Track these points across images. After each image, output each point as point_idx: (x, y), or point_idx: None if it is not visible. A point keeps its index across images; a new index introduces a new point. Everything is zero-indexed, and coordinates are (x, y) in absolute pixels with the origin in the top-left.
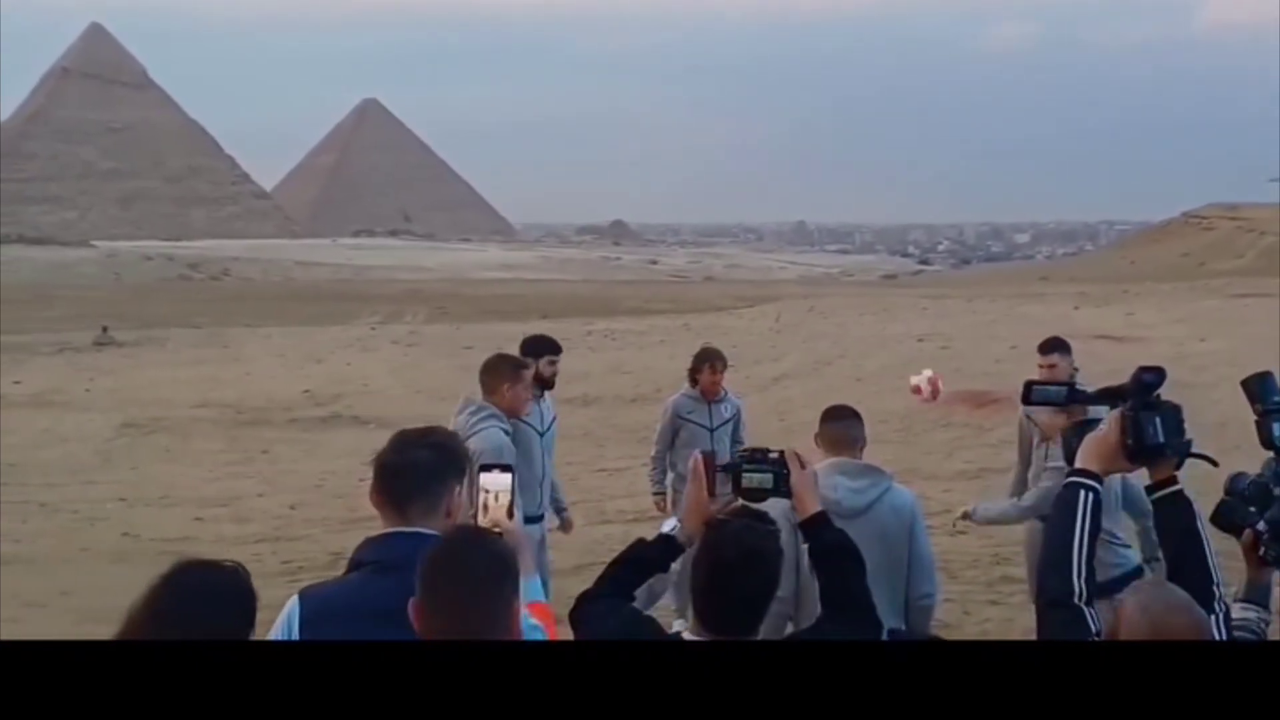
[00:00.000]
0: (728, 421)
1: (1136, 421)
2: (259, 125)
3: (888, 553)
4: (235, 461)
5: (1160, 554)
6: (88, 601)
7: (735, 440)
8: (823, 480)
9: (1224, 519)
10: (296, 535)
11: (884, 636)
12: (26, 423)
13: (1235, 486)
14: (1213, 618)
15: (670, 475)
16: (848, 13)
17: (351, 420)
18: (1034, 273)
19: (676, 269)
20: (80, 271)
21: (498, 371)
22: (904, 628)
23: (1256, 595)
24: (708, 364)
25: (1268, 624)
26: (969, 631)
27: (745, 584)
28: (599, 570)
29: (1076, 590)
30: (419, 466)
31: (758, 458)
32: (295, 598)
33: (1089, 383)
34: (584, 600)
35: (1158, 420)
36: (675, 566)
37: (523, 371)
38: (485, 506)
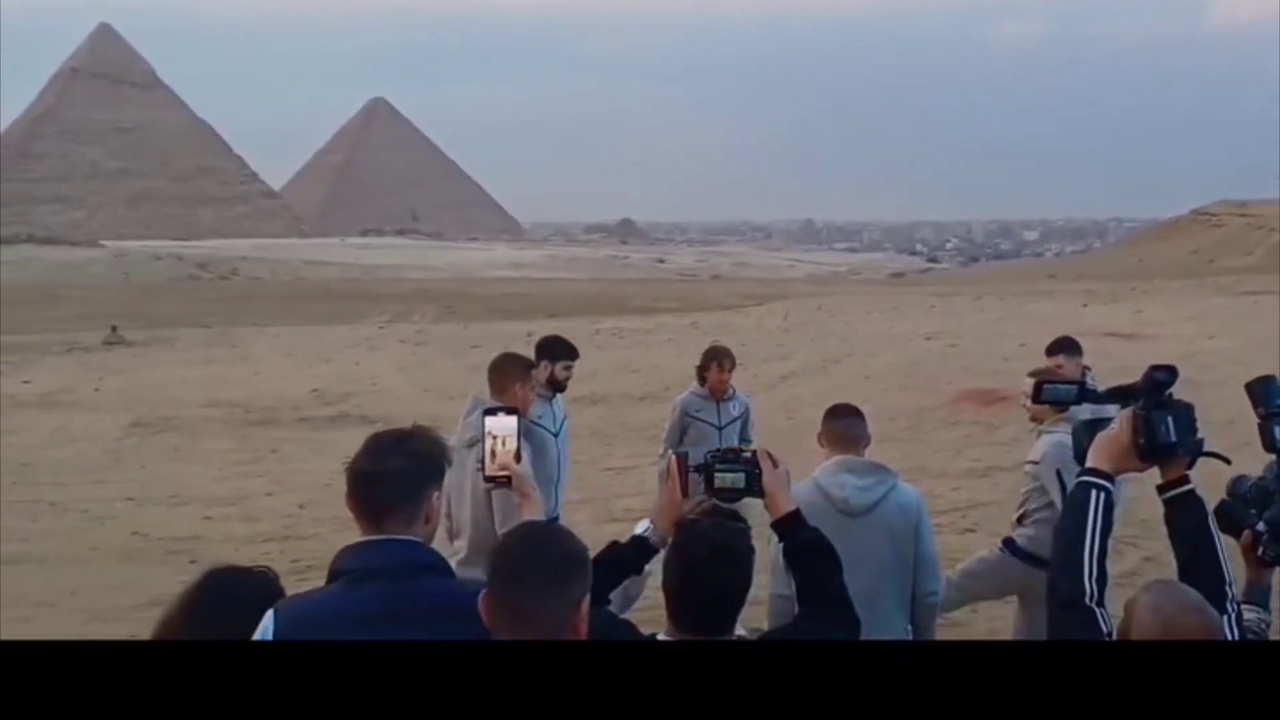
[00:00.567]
0: (736, 420)
1: (1149, 420)
2: (267, 125)
3: (895, 550)
4: (244, 461)
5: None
6: (97, 601)
7: (744, 439)
8: (829, 479)
9: (1224, 520)
10: (305, 534)
11: (861, 633)
12: (36, 422)
13: (1237, 489)
14: (1225, 618)
15: None
16: (856, 11)
17: (360, 419)
18: (1042, 270)
19: (684, 268)
20: (89, 271)
21: (507, 371)
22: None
23: (1256, 596)
24: (715, 362)
25: (1268, 625)
26: (978, 630)
27: (717, 582)
28: None
29: (1088, 591)
30: (396, 476)
31: (730, 458)
32: (270, 612)
33: (1099, 381)
34: None
35: (1170, 419)
36: (649, 568)
37: (532, 371)
38: (493, 453)
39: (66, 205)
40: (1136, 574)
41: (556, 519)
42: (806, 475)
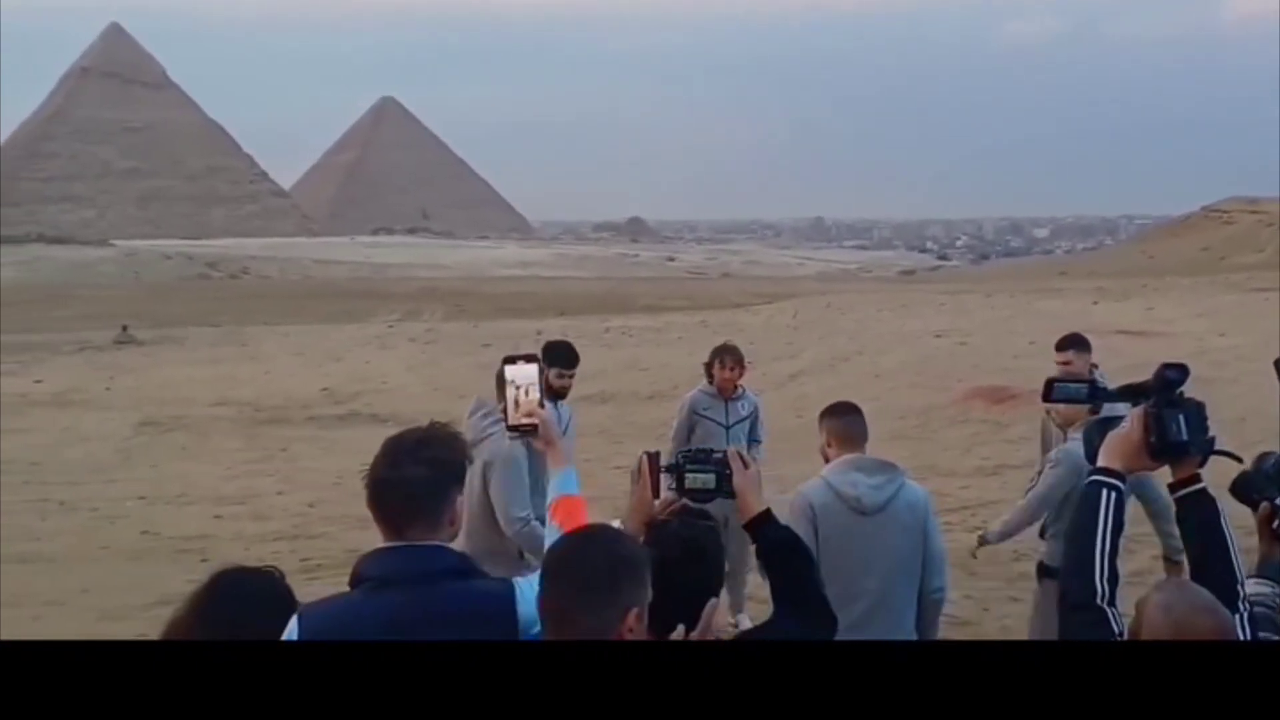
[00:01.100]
0: (745, 419)
1: (1160, 419)
2: (277, 124)
3: (906, 548)
4: (254, 460)
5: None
6: (107, 599)
7: (753, 438)
8: (840, 477)
9: (1242, 491)
10: (315, 533)
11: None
12: (47, 421)
13: (1262, 465)
14: (1237, 617)
15: None
16: (867, 9)
17: (370, 418)
18: (1053, 268)
19: (694, 266)
20: (100, 270)
21: None
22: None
23: (1269, 570)
24: (718, 359)
25: None
26: (988, 628)
27: (689, 582)
28: None
29: (1100, 591)
30: (416, 484)
31: (700, 458)
32: (295, 617)
33: (1110, 379)
34: None
35: (1181, 418)
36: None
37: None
38: (516, 402)
39: (77, 205)
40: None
41: None
42: (815, 474)
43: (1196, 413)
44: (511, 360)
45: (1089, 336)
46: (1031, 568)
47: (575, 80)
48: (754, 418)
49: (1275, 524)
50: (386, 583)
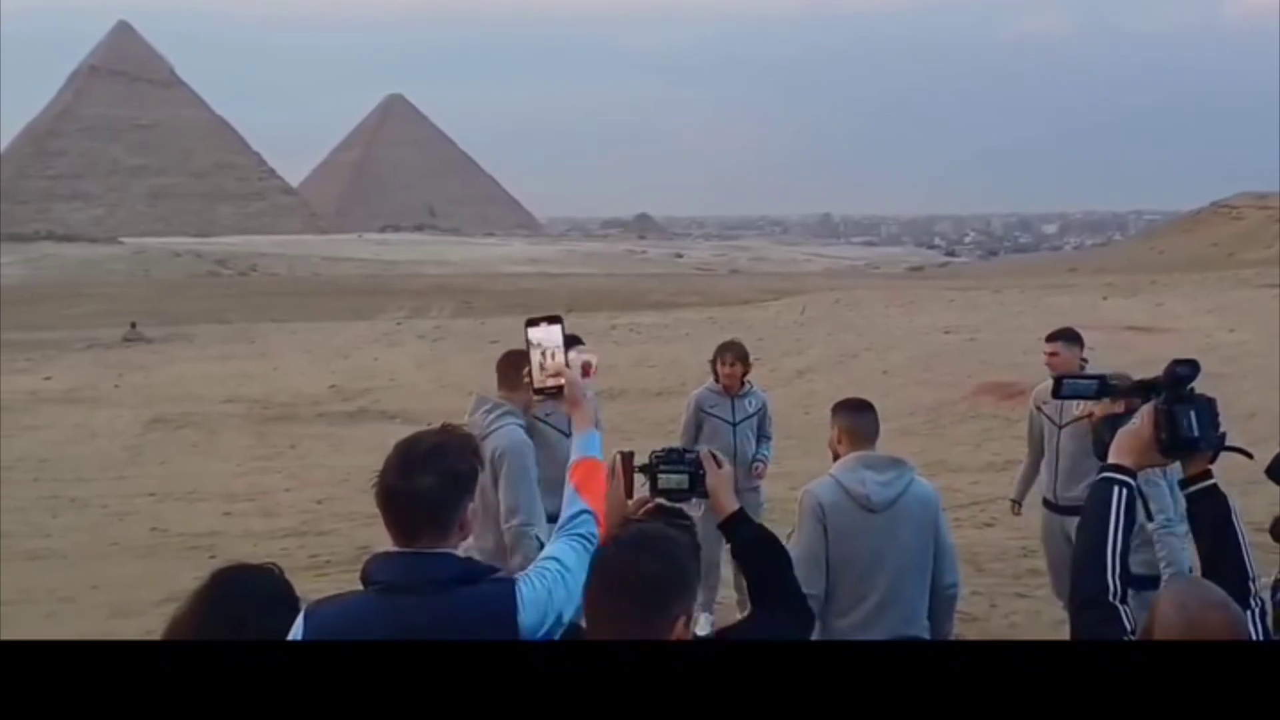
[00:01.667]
0: (751, 416)
1: (1170, 415)
2: (285, 122)
3: (918, 544)
4: (263, 456)
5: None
6: (118, 596)
7: (762, 434)
8: (849, 475)
9: (1277, 472)
10: (324, 530)
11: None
12: (58, 419)
13: None
14: (1248, 613)
15: None
16: (875, 5)
17: (378, 414)
18: (1062, 263)
19: (702, 262)
20: (109, 268)
21: (515, 367)
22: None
23: None
24: (720, 356)
25: None
26: (996, 624)
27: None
28: None
29: (1111, 588)
30: (427, 496)
31: (674, 458)
32: (301, 615)
33: (1108, 372)
34: None
35: (1192, 413)
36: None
37: None
38: (541, 365)
39: (86, 202)
40: None
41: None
42: (824, 471)
43: (1207, 409)
44: (534, 322)
45: (1098, 333)
46: (1040, 565)
47: (582, 77)
48: (762, 414)
49: None
50: (392, 589)
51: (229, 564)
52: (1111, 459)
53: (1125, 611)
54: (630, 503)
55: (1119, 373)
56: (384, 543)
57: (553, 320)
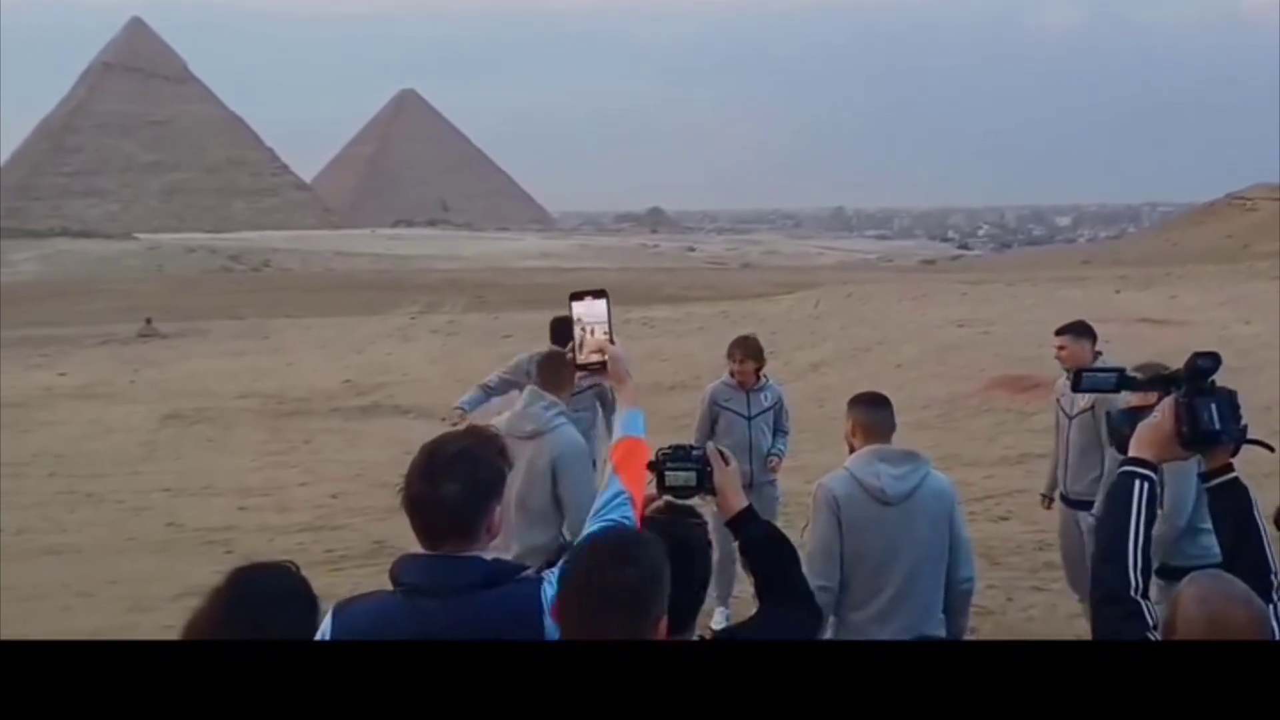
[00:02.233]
0: (767, 410)
1: (1192, 408)
2: (297, 117)
3: (933, 537)
4: (278, 451)
5: None
6: (134, 591)
7: (779, 429)
8: (864, 468)
9: None
10: (339, 524)
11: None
12: (73, 414)
13: None
14: (1270, 608)
15: None
16: None
17: (392, 409)
18: (1076, 256)
19: (714, 256)
20: (124, 264)
21: (563, 366)
22: (943, 616)
23: None
24: (732, 353)
25: None
26: (1013, 618)
27: (674, 577)
28: None
29: (1133, 583)
30: (452, 503)
31: (681, 455)
32: (330, 614)
33: (1121, 365)
34: None
35: (1213, 406)
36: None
37: None
38: (582, 343)
39: (101, 198)
40: None
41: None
42: (838, 464)
43: (1229, 401)
44: (579, 296)
45: (1112, 326)
46: (1056, 558)
47: (594, 72)
48: (778, 408)
49: None
50: (416, 591)
51: (246, 563)
52: (1132, 452)
53: (1147, 606)
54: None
55: (1151, 362)
56: (399, 537)
57: (598, 294)
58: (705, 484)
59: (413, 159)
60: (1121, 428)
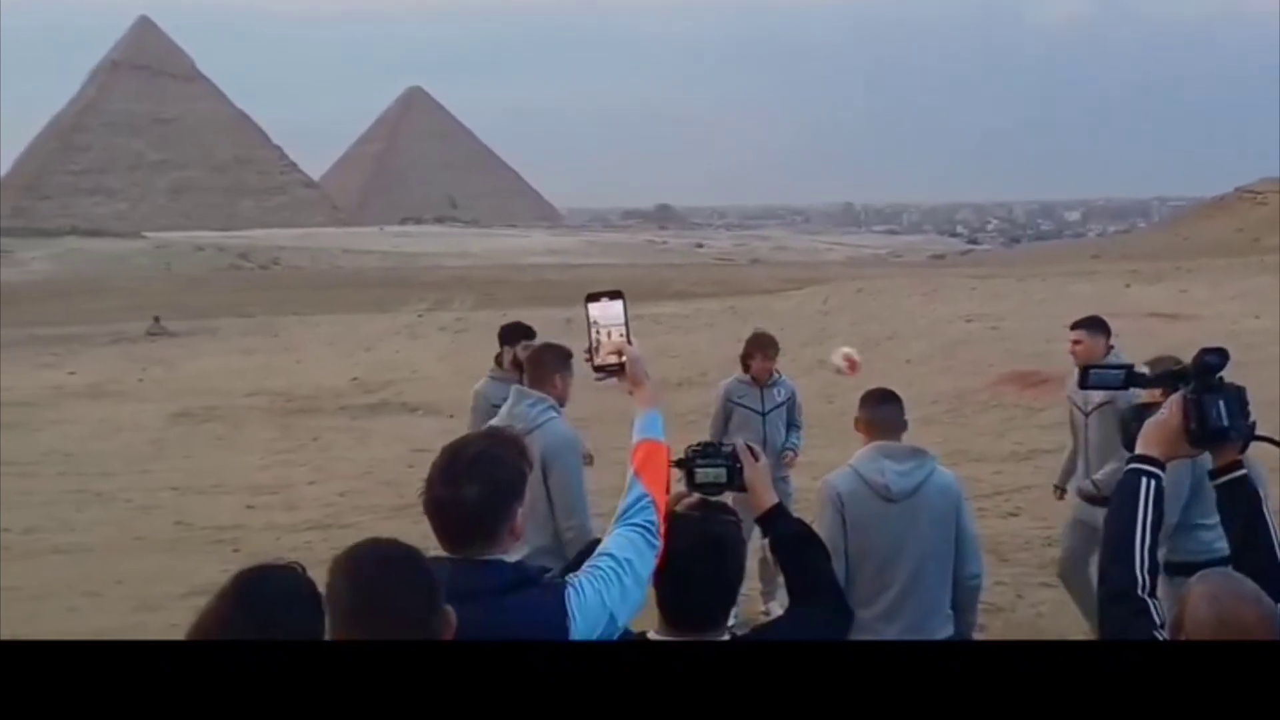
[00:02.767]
0: (780, 405)
1: (1199, 404)
2: (305, 115)
3: (938, 534)
4: (286, 449)
5: None
6: (142, 590)
7: (792, 423)
8: (868, 464)
9: None
10: (346, 523)
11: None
12: (82, 413)
13: None
14: None
15: None
16: None
17: (400, 407)
18: (1085, 250)
19: (722, 252)
20: (133, 263)
21: (548, 362)
22: (952, 612)
23: None
24: (761, 351)
25: None
26: (1022, 614)
27: (710, 576)
28: None
29: (1140, 582)
30: (474, 506)
31: (710, 452)
32: None
33: (1132, 360)
34: None
35: (1221, 403)
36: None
37: (570, 360)
38: (599, 345)
39: (109, 197)
40: None
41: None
42: (847, 460)
43: (1237, 397)
44: (594, 297)
45: (1122, 320)
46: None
47: (602, 68)
48: (791, 403)
49: None
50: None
51: (252, 565)
52: (1139, 450)
53: (1154, 605)
54: (669, 496)
55: (1163, 356)
56: (407, 535)
57: (614, 295)
58: (735, 480)
59: (421, 157)
60: (1131, 425)
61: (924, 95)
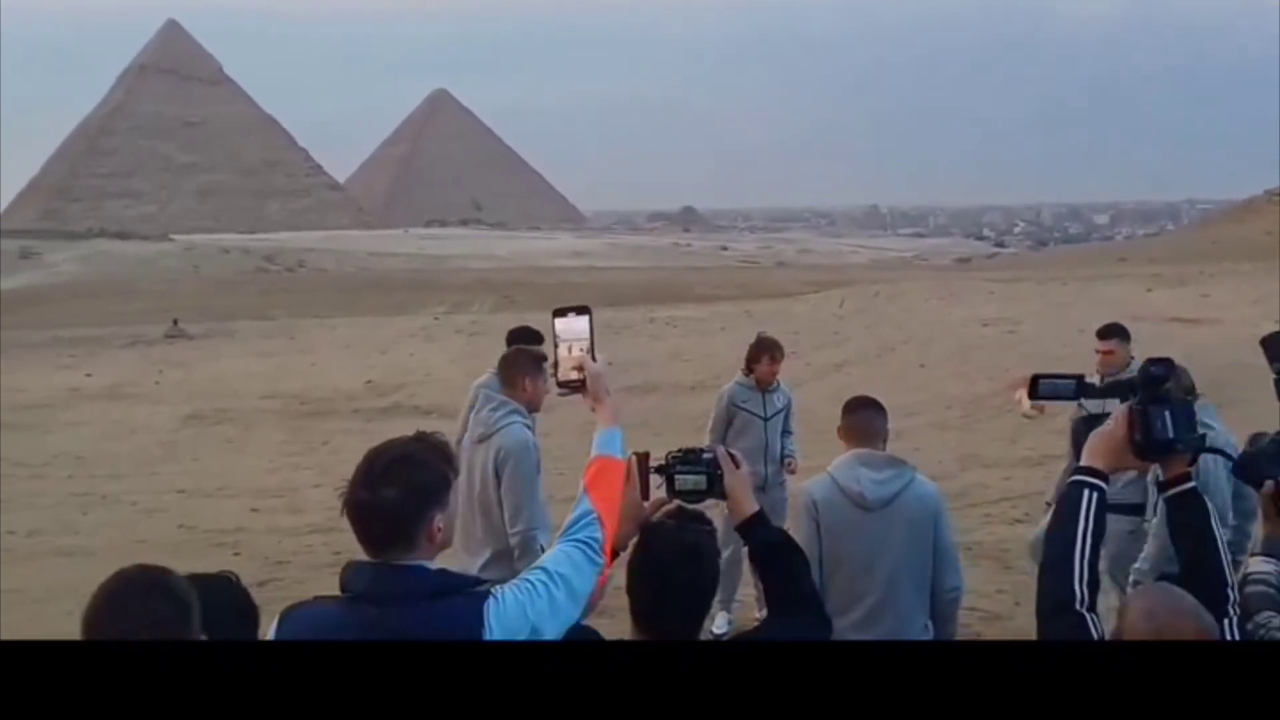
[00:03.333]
0: (780, 411)
1: (1145, 416)
2: (331, 118)
3: (913, 544)
4: (296, 452)
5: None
6: None
7: (785, 430)
8: (845, 472)
9: (1244, 471)
10: (348, 526)
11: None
12: (98, 415)
13: (1258, 444)
14: (1225, 621)
15: None
16: None
17: (412, 410)
18: (1112, 253)
19: (747, 255)
20: (161, 265)
21: (517, 365)
22: (930, 623)
23: (1274, 548)
24: (768, 354)
25: None
26: (1021, 623)
27: (685, 584)
28: None
29: (1078, 595)
30: (389, 509)
31: (691, 459)
32: (276, 618)
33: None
34: None
35: (1167, 414)
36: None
37: (544, 364)
38: (562, 361)
39: (137, 200)
40: None
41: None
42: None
43: (1183, 409)
44: (561, 313)
45: (1142, 324)
46: None
47: (627, 69)
48: (788, 410)
49: None
50: (362, 598)
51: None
52: (1084, 461)
53: (1092, 620)
54: (648, 505)
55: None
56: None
57: (581, 311)
58: (715, 488)
59: (446, 159)
60: (1079, 436)
61: (954, 96)
